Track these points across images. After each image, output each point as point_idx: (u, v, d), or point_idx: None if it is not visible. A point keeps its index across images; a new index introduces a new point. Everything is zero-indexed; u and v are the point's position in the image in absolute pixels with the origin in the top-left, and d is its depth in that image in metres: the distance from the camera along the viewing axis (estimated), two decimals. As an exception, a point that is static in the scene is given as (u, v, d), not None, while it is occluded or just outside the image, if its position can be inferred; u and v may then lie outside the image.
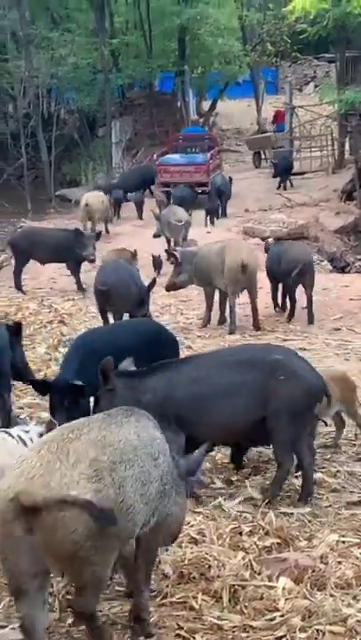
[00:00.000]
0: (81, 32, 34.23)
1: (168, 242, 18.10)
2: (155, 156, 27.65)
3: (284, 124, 31.89)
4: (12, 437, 5.69)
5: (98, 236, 16.32)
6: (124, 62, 35.56)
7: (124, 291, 11.21)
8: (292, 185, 26.83)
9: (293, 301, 13.02)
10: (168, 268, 14.73)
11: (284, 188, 26.64)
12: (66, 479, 4.23)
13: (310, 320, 12.78)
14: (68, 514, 4.17)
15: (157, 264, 16.20)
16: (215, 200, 23.49)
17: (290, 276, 12.64)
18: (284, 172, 26.94)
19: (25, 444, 5.64)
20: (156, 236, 18.38)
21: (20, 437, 5.72)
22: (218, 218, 22.87)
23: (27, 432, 5.85)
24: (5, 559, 4.32)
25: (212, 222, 22.09)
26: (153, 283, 11.34)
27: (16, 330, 8.47)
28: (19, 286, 15.39)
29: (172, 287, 13.21)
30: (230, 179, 25.08)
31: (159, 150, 29.10)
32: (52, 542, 4.20)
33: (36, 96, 32.52)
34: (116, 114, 34.30)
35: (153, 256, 16.29)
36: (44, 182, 31.84)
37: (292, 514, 6.37)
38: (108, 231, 21.13)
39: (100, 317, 11.97)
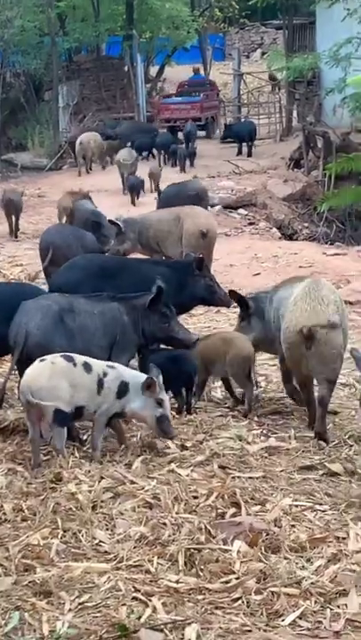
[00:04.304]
0: (27, -6, 33.72)
1: (122, 177, 21.77)
2: (158, 97, 34.22)
3: None
4: (70, 362, 6.60)
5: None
6: (72, 25, 35.18)
7: (66, 253, 10.80)
8: (250, 154, 26.80)
9: None
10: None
11: (249, 155, 26.65)
12: (327, 313, 7.12)
13: None
14: (331, 335, 7.10)
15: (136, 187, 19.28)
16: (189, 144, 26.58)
17: None
18: (248, 137, 27.02)
19: (90, 370, 6.64)
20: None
21: (85, 364, 6.66)
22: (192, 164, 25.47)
23: (112, 367, 6.84)
24: (298, 366, 7.40)
25: (183, 168, 24.67)
26: None
27: None
28: None
29: (115, 255, 13.03)
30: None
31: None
32: (321, 353, 7.12)
33: (-19, 59, 32.06)
34: (62, 78, 33.90)
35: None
36: (-10, 146, 31.49)
37: (245, 478, 6.42)
38: (89, 170, 25.97)
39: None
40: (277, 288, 8.25)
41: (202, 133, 30.83)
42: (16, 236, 17.56)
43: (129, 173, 21.34)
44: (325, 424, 7.32)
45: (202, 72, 36.11)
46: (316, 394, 7.50)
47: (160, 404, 6.80)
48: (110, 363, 6.95)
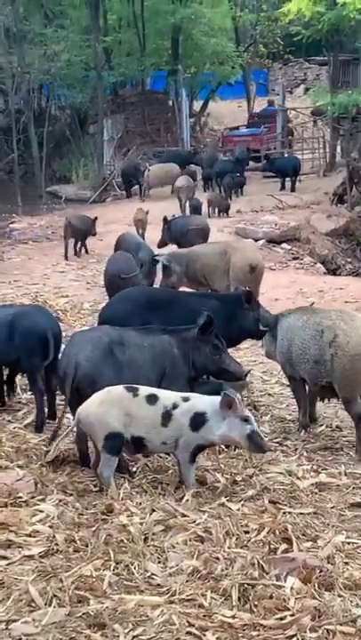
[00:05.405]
0: (74, 29, 34.17)
1: (179, 201, 22.39)
2: (226, 130, 35.98)
3: None
4: (130, 392, 6.61)
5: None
6: (117, 60, 35.51)
7: (136, 280, 11.39)
8: (293, 189, 26.75)
9: None
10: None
11: (292, 190, 26.61)
12: None
13: None
14: None
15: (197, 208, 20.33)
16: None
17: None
18: (292, 172, 26.98)
19: (154, 402, 6.58)
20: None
21: (149, 395, 6.62)
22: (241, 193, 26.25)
23: (187, 399, 6.68)
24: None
25: (230, 197, 25.00)
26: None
27: None
28: None
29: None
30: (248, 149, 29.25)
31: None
32: None
33: (28, 92, 32.47)
34: (107, 111, 34.23)
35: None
36: (34, 178, 31.79)
37: (296, 514, 6.38)
38: (143, 198, 26.20)
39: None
40: (287, 316, 8.41)
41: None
42: (76, 256, 18.61)
43: (188, 198, 21.93)
44: None
45: (275, 105, 36.20)
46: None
47: (247, 420, 6.54)
48: (187, 394, 6.83)
